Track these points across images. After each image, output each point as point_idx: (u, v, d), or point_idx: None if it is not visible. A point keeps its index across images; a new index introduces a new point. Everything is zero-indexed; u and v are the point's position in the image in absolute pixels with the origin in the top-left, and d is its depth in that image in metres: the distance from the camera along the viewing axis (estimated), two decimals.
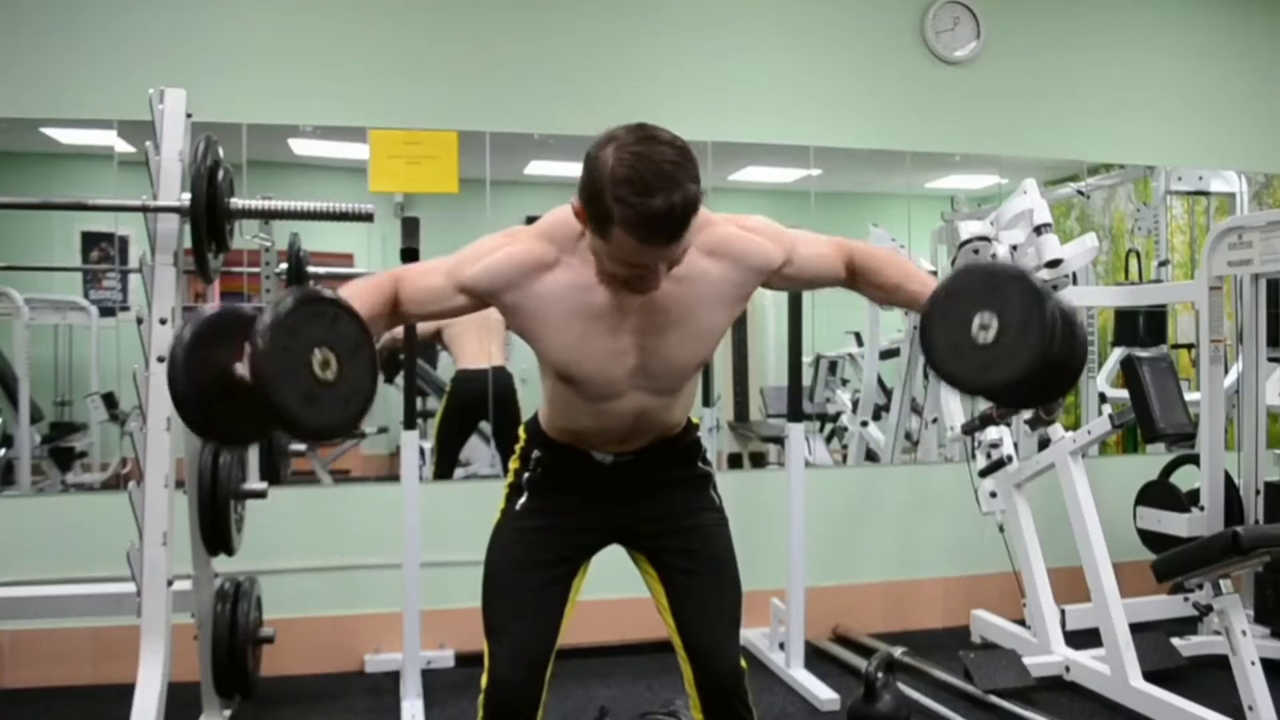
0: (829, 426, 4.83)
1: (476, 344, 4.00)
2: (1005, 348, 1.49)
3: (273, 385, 1.33)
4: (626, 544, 1.90)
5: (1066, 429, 3.36)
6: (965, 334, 1.52)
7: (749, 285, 1.70)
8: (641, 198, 1.41)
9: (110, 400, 3.76)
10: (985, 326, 1.51)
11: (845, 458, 4.58)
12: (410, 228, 3.11)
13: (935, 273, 4.20)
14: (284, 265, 3.85)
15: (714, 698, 1.79)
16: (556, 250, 1.62)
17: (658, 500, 1.85)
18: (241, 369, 1.36)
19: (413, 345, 3.30)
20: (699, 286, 1.64)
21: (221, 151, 2.44)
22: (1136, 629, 3.16)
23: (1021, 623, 3.60)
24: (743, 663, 1.82)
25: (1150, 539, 3.58)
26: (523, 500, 1.86)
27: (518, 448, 1.92)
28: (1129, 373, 3.32)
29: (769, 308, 4.53)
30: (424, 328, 3.96)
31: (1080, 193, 4.40)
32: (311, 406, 1.38)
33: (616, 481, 1.83)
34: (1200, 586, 2.97)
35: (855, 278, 1.78)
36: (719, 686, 1.79)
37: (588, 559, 1.87)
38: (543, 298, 1.61)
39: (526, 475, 1.87)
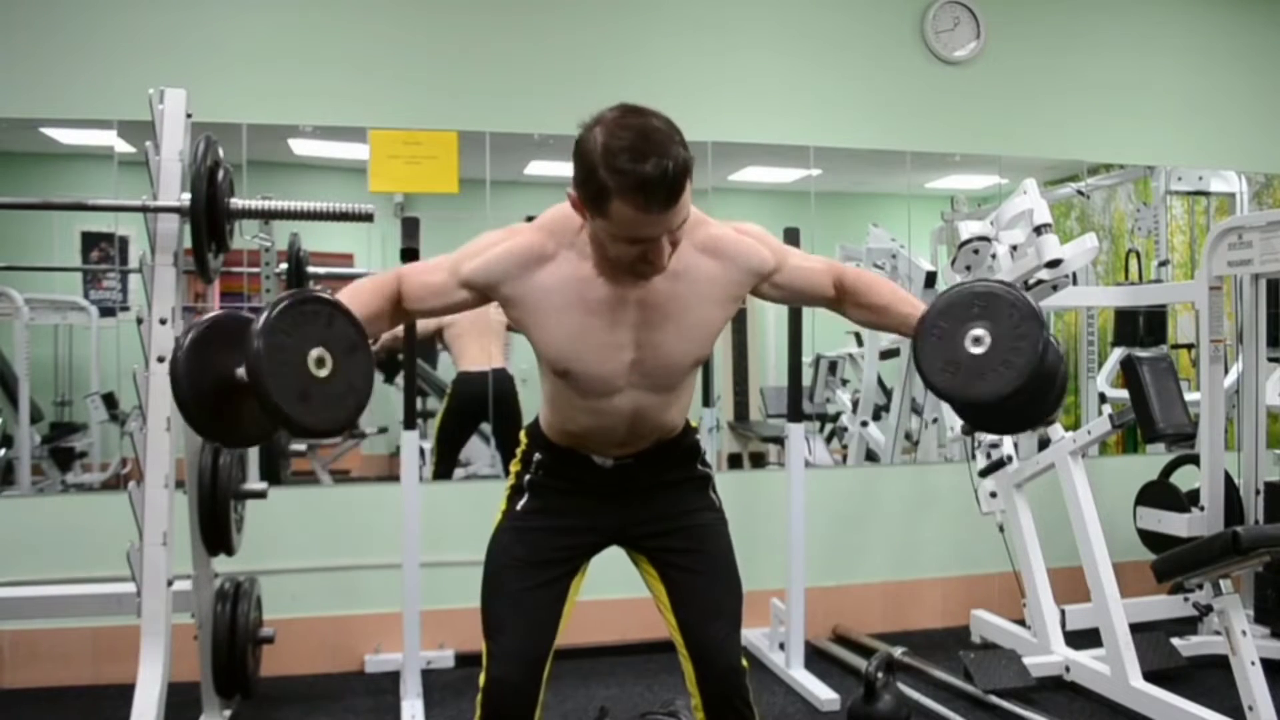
0: (829, 426, 4.83)
1: (477, 346, 4.00)
2: (997, 361, 1.53)
3: (268, 383, 1.36)
4: (627, 545, 1.90)
5: (1066, 429, 3.37)
6: (959, 348, 1.55)
7: (743, 286, 1.73)
8: (635, 164, 1.43)
9: (110, 400, 3.76)
10: (978, 340, 1.53)
11: (845, 458, 4.58)
12: (410, 228, 3.11)
13: (934, 273, 4.22)
14: (284, 265, 3.85)
15: (716, 697, 1.80)
16: (555, 244, 1.64)
17: (658, 501, 1.86)
18: (241, 371, 1.39)
19: (413, 345, 3.30)
20: (695, 284, 1.67)
21: (221, 151, 2.44)
22: (1136, 629, 3.17)
23: (1021, 623, 3.60)
24: (744, 662, 1.82)
25: (1150, 539, 3.58)
26: (524, 501, 1.86)
27: (519, 450, 1.92)
28: (1129, 373, 3.32)
29: (769, 308, 4.52)
30: (424, 325, 3.97)
31: (1080, 193, 4.41)
32: (307, 404, 1.41)
33: (617, 484, 1.84)
34: (1200, 586, 2.97)
35: (843, 297, 1.81)
36: (721, 685, 1.79)
37: (587, 560, 1.88)
38: (540, 289, 1.63)
39: (528, 477, 1.88)
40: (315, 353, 1.43)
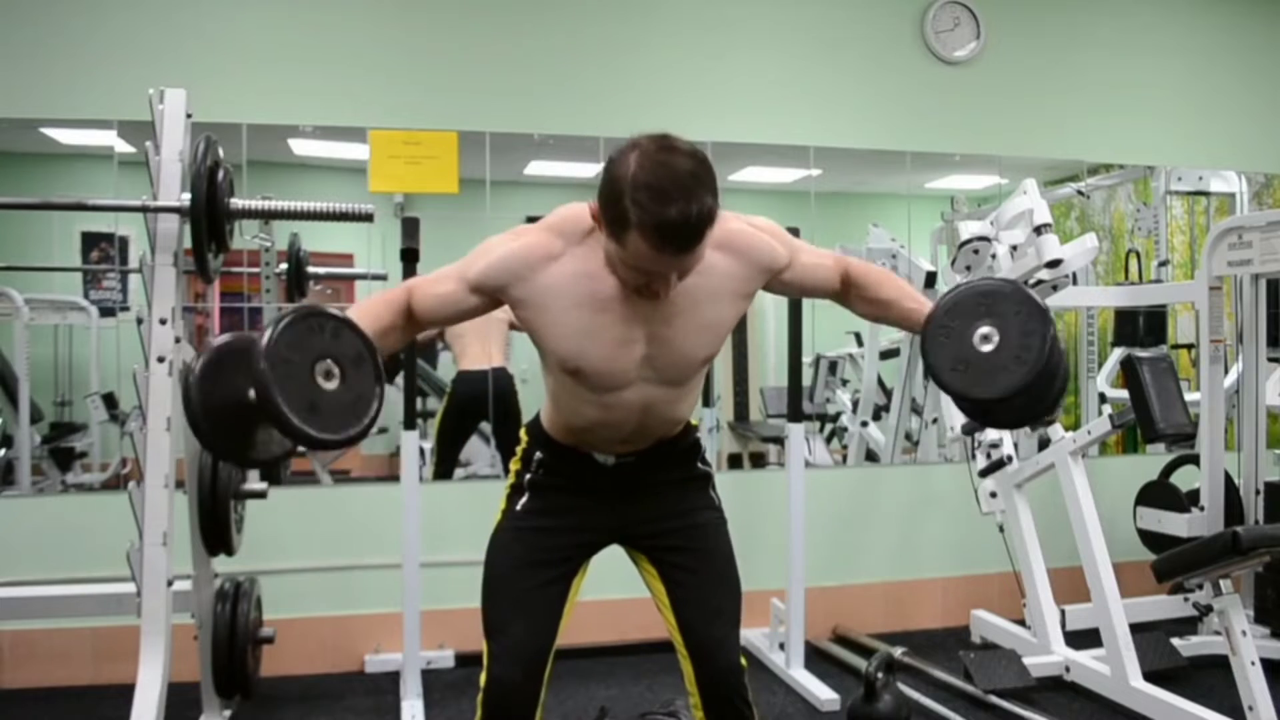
0: (829, 426, 4.83)
1: (478, 345, 4.00)
2: (1007, 357, 1.55)
3: (276, 399, 1.37)
4: (627, 544, 1.90)
5: (1066, 429, 3.37)
6: (968, 347, 1.57)
7: (754, 282, 1.73)
8: (659, 205, 1.43)
9: (110, 400, 3.75)
10: (987, 339, 1.55)
11: (845, 458, 4.58)
12: (410, 228, 3.11)
13: (935, 273, 4.22)
14: (284, 265, 3.85)
15: (715, 695, 1.80)
16: (563, 243, 1.64)
17: (658, 500, 1.86)
18: (252, 391, 1.41)
19: (413, 345, 3.30)
20: (708, 280, 1.66)
21: (221, 151, 2.44)
22: (1136, 629, 3.17)
23: (1021, 623, 3.60)
24: (743, 660, 1.82)
25: (1150, 539, 3.58)
26: (524, 500, 1.86)
27: (519, 449, 1.92)
28: (1129, 373, 3.32)
29: (769, 308, 4.53)
30: (428, 332, 3.97)
31: (1080, 193, 4.41)
32: (318, 416, 1.42)
33: (618, 482, 1.84)
34: (1200, 586, 2.97)
35: (849, 290, 1.81)
36: (720, 684, 1.80)
37: (588, 559, 1.88)
38: (549, 288, 1.62)
39: (528, 476, 1.88)
40: (322, 366, 1.44)
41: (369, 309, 1.63)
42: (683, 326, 1.66)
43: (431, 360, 4.29)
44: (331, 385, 1.44)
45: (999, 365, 1.56)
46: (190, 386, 1.47)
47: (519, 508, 1.86)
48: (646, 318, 1.65)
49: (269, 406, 1.37)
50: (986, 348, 1.57)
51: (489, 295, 1.66)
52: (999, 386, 1.56)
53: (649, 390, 1.72)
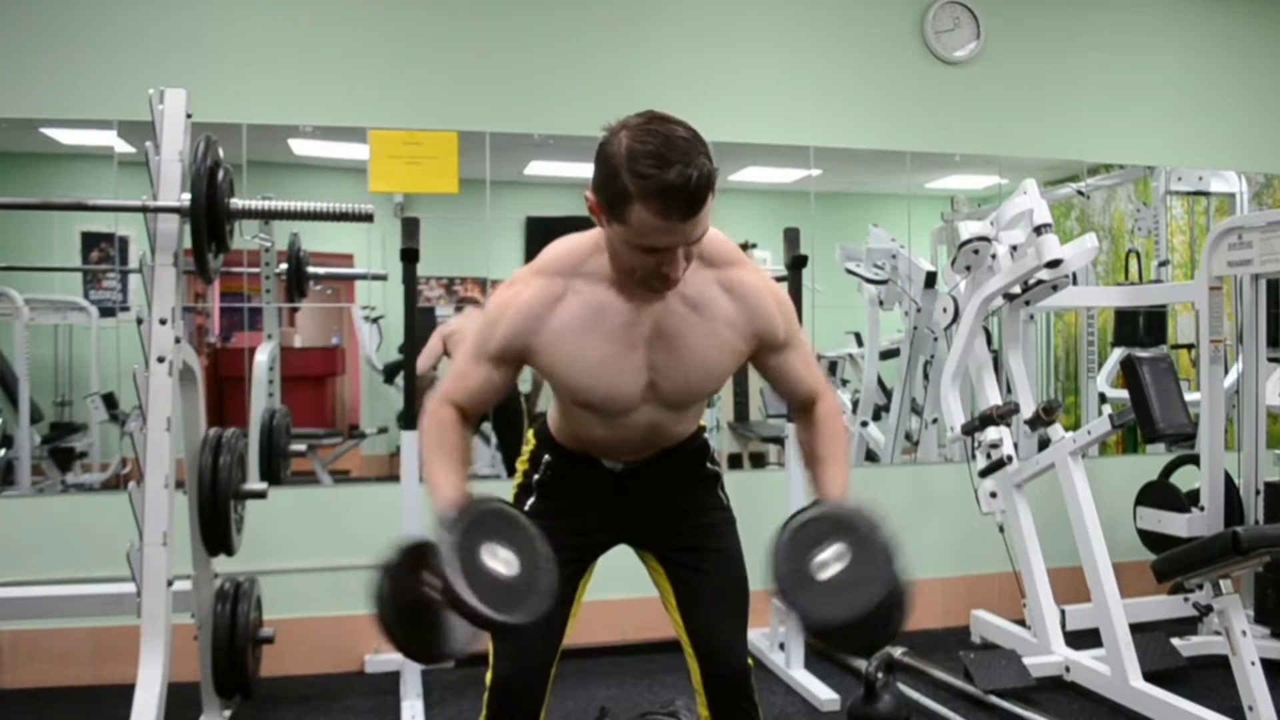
0: None
1: None
2: (842, 587, 1.47)
3: (464, 598, 1.39)
4: (634, 544, 1.90)
5: (1066, 429, 3.36)
6: (808, 560, 1.49)
7: (748, 342, 1.68)
8: (659, 170, 1.42)
9: (110, 400, 3.76)
10: (827, 564, 1.48)
11: None
12: (410, 228, 3.11)
13: (934, 273, 4.23)
14: (284, 265, 3.86)
15: (721, 696, 1.80)
16: (562, 281, 1.63)
17: (666, 500, 1.86)
18: (433, 591, 1.44)
19: (412, 347, 3.30)
20: (711, 321, 1.64)
21: (221, 151, 2.44)
22: (1136, 629, 3.17)
23: (1021, 623, 3.60)
24: (750, 661, 1.82)
25: (1150, 539, 3.58)
26: (531, 501, 1.86)
27: (526, 450, 1.92)
28: (1129, 373, 3.32)
29: None
30: (435, 350, 4.05)
31: (1080, 193, 4.41)
32: (503, 597, 1.44)
33: (625, 485, 1.84)
34: (1200, 586, 2.97)
35: (804, 416, 1.78)
36: (726, 684, 1.79)
37: (595, 559, 1.88)
38: (558, 332, 1.62)
39: (536, 477, 1.88)
40: (492, 553, 1.46)
41: (444, 445, 1.64)
42: (684, 361, 1.65)
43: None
44: (510, 570, 1.47)
45: (830, 590, 1.46)
46: (383, 599, 1.49)
47: (526, 508, 1.85)
48: (650, 346, 1.64)
49: (463, 608, 1.40)
50: (824, 572, 1.47)
51: (514, 358, 1.65)
52: (821, 610, 1.47)
53: (654, 412, 1.72)
